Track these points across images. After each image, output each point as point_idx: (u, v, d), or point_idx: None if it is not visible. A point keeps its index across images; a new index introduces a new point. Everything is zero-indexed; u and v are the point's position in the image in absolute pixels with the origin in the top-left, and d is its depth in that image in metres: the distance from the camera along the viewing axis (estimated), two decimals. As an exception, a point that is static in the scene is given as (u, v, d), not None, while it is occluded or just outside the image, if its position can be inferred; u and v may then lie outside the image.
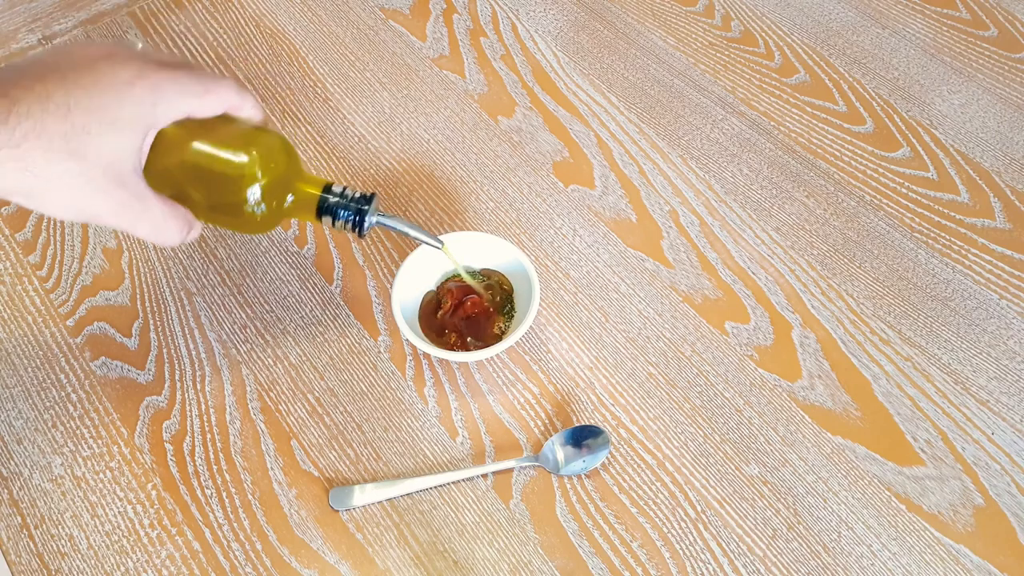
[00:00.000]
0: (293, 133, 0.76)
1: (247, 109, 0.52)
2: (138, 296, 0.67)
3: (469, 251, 0.64)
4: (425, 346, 0.59)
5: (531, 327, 0.64)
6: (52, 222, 0.71)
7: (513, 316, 0.63)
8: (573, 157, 0.75)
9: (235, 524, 0.57)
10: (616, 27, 0.85)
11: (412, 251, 0.63)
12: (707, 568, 0.54)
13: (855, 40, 0.84)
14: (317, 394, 0.62)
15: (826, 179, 0.74)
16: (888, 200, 0.72)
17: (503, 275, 0.65)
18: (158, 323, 0.65)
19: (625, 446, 0.59)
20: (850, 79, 0.81)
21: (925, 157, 0.75)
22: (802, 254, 0.69)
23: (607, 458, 0.58)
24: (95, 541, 0.56)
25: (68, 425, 0.60)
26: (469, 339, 0.61)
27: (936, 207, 0.72)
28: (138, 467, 0.58)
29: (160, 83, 0.47)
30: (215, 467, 0.58)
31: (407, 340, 0.58)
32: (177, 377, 0.62)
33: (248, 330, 0.65)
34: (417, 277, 0.64)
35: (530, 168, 0.75)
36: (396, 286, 0.61)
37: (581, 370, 0.63)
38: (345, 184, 0.55)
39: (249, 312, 0.66)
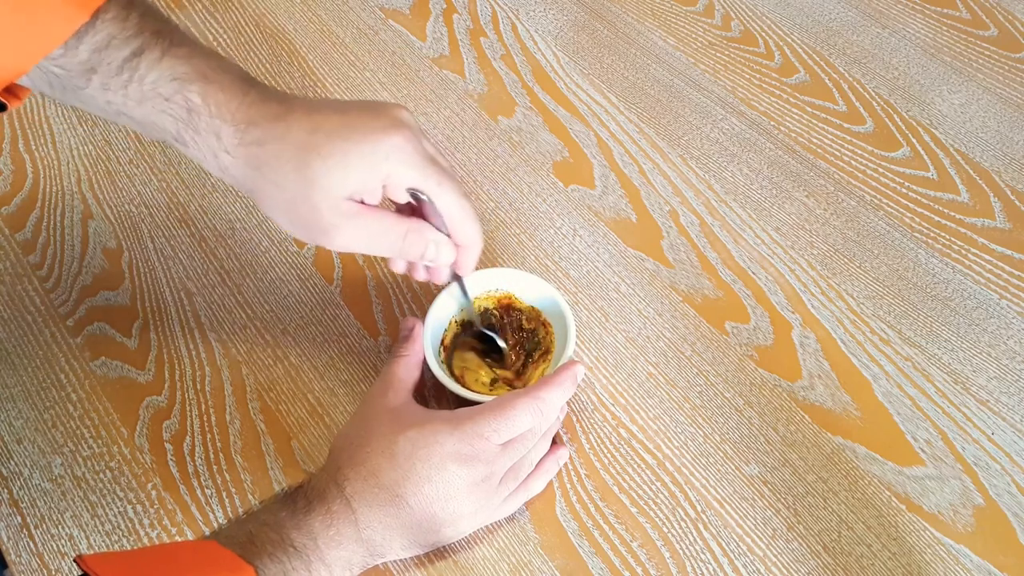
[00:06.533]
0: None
1: None
2: (138, 296, 0.67)
3: (514, 287, 0.62)
4: (449, 382, 0.57)
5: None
6: (52, 222, 0.71)
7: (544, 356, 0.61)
8: (573, 157, 0.75)
9: (235, 524, 0.57)
10: (616, 27, 0.85)
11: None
12: (707, 568, 0.54)
13: (855, 40, 0.84)
14: (317, 394, 0.62)
15: (826, 179, 0.74)
16: (888, 200, 0.72)
17: (539, 312, 0.62)
18: (158, 323, 0.65)
19: (625, 446, 0.59)
20: (850, 79, 0.81)
21: (925, 157, 0.75)
22: (802, 254, 0.69)
23: (607, 458, 0.58)
24: (95, 541, 0.55)
25: (68, 425, 0.60)
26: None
27: (936, 207, 0.72)
28: (138, 467, 0.58)
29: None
30: (215, 467, 0.58)
31: (431, 371, 0.58)
32: (177, 377, 0.62)
33: (248, 330, 0.65)
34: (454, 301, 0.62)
35: (530, 168, 0.74)
36: (434, 306, 0.60)
37: (581, 370, 0.63)
38: None
39: (249, 312, 0.66)
